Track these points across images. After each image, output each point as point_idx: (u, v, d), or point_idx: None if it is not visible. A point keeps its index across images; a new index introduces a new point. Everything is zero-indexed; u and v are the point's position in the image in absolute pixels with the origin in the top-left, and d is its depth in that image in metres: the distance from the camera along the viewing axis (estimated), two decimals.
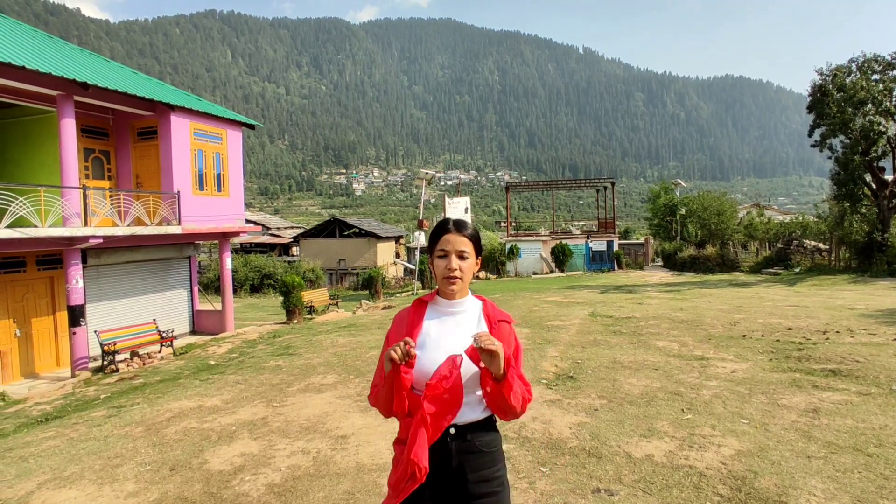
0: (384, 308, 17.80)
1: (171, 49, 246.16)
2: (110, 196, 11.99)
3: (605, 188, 34.14)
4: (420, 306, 1.93)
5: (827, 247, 24.24)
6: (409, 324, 1.90)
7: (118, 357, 11.09)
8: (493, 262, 30.35)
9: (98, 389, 9.02)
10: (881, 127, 20.29)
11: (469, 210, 29.94)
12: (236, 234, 15.58)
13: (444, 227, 1.89)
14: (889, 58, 20.97)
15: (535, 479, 3.69)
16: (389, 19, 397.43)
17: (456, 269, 1.83)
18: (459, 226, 1.89)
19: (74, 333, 10.66)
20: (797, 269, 22.78)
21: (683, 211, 33.65)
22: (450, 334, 1.85)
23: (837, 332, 8.22)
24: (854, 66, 21.66)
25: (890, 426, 4.30)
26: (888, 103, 20.41)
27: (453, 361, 1.72)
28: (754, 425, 4.47)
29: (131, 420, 5.98)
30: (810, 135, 23.04)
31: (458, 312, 1.90)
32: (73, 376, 10.51)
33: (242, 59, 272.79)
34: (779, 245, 26.83)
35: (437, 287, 1.96)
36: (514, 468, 3.84)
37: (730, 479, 3.53)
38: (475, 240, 1.89)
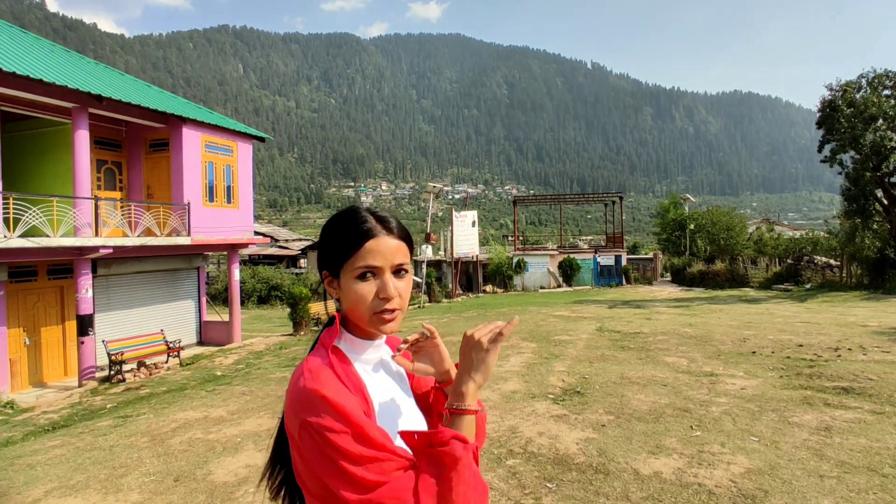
0: None
1: (184, 63, 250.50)
2: (121, 207, 12.14)
3: (613, 202, 34.07)
4: (343, 360, 1.06)
5: (838, 263, 23.99)
6: (357, 394, 1.01)
7: (125, 367, 11.14)
8: (501, 276, 30.28)
9: (104, 399, 9.05)
10: (892, 143, 20.15)
11: (476, 224, 30.02)
12: (245, 245, 15.69)
13: (362, 227, 1.07)
14: None
15: (542, 495, 3.64)
16: (399, 34, 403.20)
17: (395, 297, 1.06)
18: (386, 223, 1.10)
19: (82, 343, 10.73)
20: (808, 286, 22.53)
21: (692, 226, 33.45)
22: (394, 391, 1.14)
23: (849, 349, 8.09)
24: (864, 81, 21.60)
25: None
26: None
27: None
28: (764, 443, 4.39)
29: (136, 430, 5.98)
30: (820, 150, 22.90)
31: (384, 351, 1.19)
32: (80, 385, 10.56)
33: (254, 73, 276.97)
34: (789, 261, 26.56)
35: (334, 320, 1.12)
36: (520, 484, 3.80)
37: (740, 497, 3.46)
38: (410, 242, 1.14)
